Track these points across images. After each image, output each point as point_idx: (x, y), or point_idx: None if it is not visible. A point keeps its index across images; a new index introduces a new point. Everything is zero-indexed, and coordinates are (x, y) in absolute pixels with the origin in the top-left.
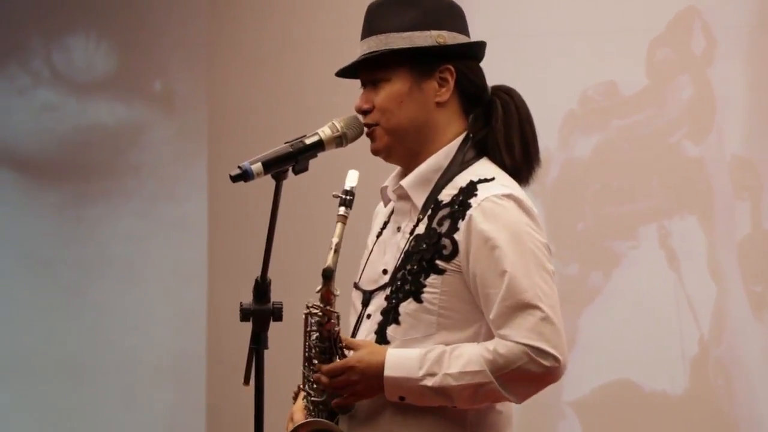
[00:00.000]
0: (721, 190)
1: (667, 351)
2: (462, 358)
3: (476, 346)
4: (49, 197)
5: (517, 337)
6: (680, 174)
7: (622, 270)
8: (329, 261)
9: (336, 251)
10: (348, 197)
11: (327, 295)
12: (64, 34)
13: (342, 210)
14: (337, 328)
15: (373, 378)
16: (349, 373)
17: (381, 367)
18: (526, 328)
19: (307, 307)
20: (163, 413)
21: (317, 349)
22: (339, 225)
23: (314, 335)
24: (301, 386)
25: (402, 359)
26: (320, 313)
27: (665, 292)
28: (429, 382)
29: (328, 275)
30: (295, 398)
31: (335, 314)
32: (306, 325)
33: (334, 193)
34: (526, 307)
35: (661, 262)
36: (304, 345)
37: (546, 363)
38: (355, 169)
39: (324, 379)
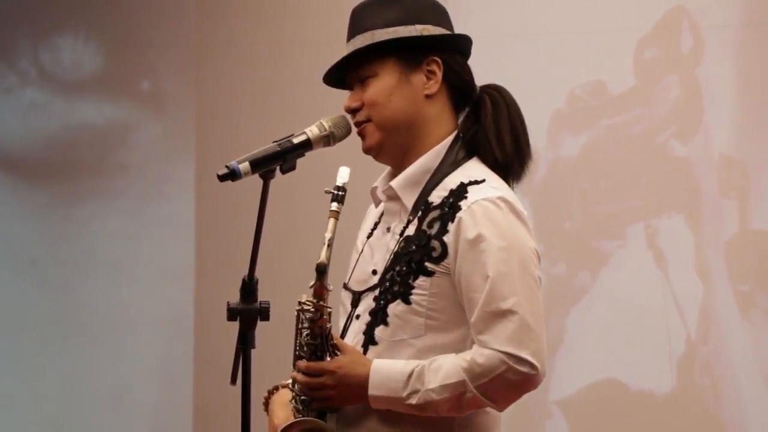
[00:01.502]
0: (709, 189)
1: (654, 350)
2: (441, 371)
3: (454, 357)
4: (37, 196)
5: (495, 344)
6: (668, 173)
7: (610, 269)
8: (322, 256)
9: (329, 246)
10: (340, 193)
11: (320, 290)
12: (52, 33)
13: (334, 206)
14: (328, 325)
15: (350, 388)
16: (327, 377)
17: (362, 381)
18: (504, 335)
19: (300, 303)
20: (150, 412)
21: (308, 347)
22: (331, 220)
23: (305, 332)
24: (290, 385)
25: (386, 378)
26: (313, 309)
27: (652, 291)
28: (413, 400)
29: (321, 270)
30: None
31: (328, 310)
32: (298, 322)
33: (326, 189)
34: (506, 313)
35: (648, 262)
36: (295, 342)
37: (523, 370)
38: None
39: (300, 376)
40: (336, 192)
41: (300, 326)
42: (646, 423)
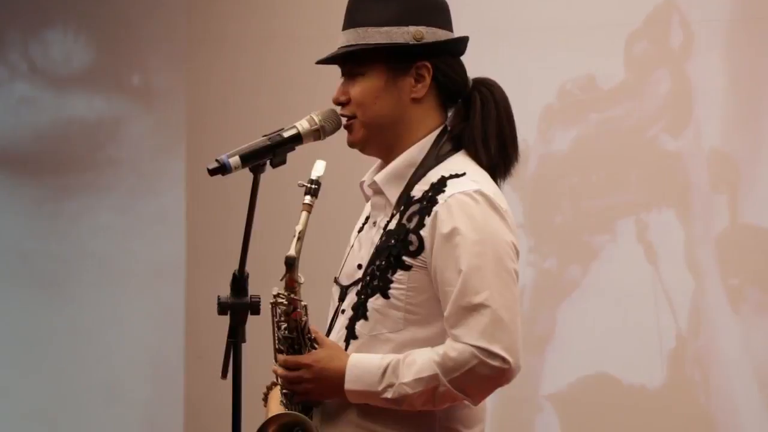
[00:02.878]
0: (699, 183)
1: (645, 344)
2: (414, 366)
3: (428, 351)
4: (27, 191)
5: (467, 338)
6: (658, 168)
7: (600, 264)
8: (292, 249)
9: (300, 239)
10: (313, 186)
11: (290, 283)
12: (42, 27)
13: (307, 199)
14: (304, 318)
15: (326, 382)
16: (304, 371)
17: (338, 375)
18: (476, 329)
19: (273, 297)
20: (141, 407)
21: (286, 340)
22: (304, 213)
23: (282, 326)
24: (275, 379)
25: (362, 373)
26: (285, 302)
27: (643, 285)
28: (389, 394)
29: (290, 263)
30: (266, 396)
31: (301, 303)
32: (273, 316)
33: (299, 182)
34: (479, 307)
35: (638, 256)
36: (273, 337)
37: (495, 364)
38: (322, 160)
39: (280, 370)
40: (309, 185)
41: (276, 320)
42: (637, 417)
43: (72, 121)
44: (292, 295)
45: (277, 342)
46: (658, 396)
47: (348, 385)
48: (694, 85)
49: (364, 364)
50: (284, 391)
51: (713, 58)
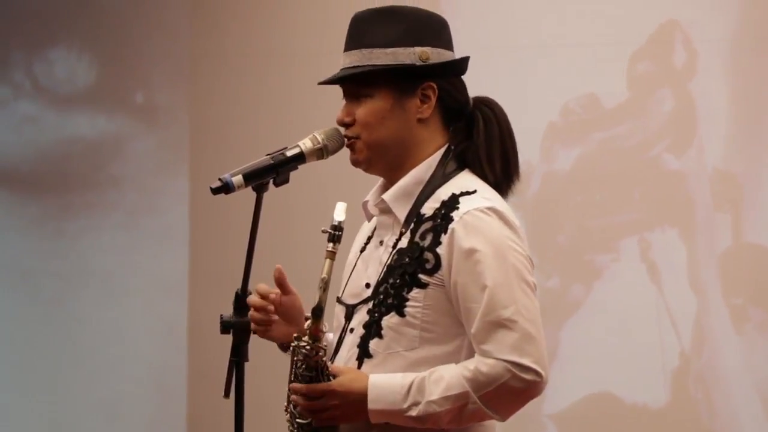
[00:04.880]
0: (702, 203)
1: (648, 363)
2: (442, 382)
3: (455, 367)
4: (30, 209)
5: (498, 353)
6: (661, 187)
7: (603, 283)
8: (318, 299)
9: (325, 290)
10: (337, 233)
11: (316, 332)
12: (46, 46)
13: (330, 246)
14: (324, 359)
15: (352, 405)
16: (329, 397)
17: (361, 395)
18: (507, 344)
19: (295, 339)
20: (144, 425)
21: (303, 377)
22: (327, 261)
23: (301, 364)
24: (285, 407)
25: (384, 391)
26: (308, 347)
27: (646, 304)
28: (414, 412)
29: (318, 315)
30: None
31: (323, 350)
32: (293, 355)
33: (322, 228)
34: (507, 322)
35: (642, 275)
36: (291, 371)
37: (528, 378)
38: (342, 201)
39: (301, 400)
40: (333, 232)
41: (295, 359)
42: None
43: (75, 140)
44: (317, 344)
45: (293, 378)
46: (662, 415)
47: (371, 404)
48: (697, 104)
49: (386, 384)
50: (299, 420)
51: (716, 77)
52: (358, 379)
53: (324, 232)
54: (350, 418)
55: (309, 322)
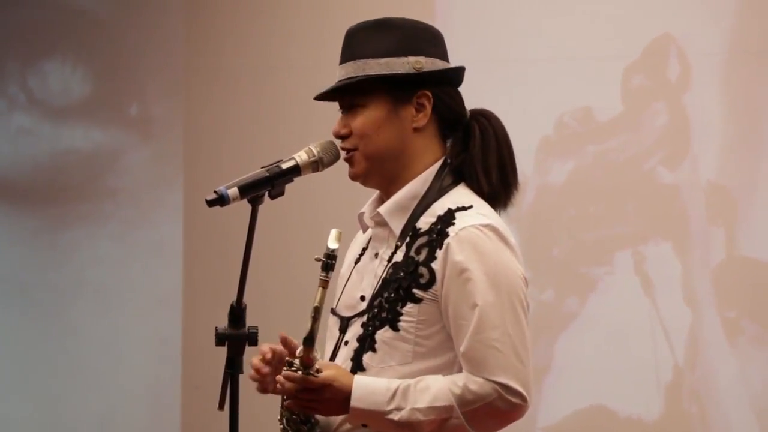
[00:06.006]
0: (696, 216)
1: (642, 377)
2: (429, 392)
3: (443, 379)
4: (25, 221)
5: (486, 373)
6: (655, 200)
7: (598, 296)
8: (311, 328)
9: (317, 319)
10: (330, 261)
11: (307, 360)
12: (40, 58)
13: (323, 275)
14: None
15: (332, 396)
16: (322, 390)
17: (345, 391)
18: (495, 365)
19: (287, 365)
20: None
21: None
22: (320, 290)
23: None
24: (279, 420)
25: (369, 392)
26: (299, 373)
27: (640, 318)
28: (395, 416)
29: (309, 344)
30: None
31: (316, 374)
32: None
33: (316, 256)
34: (497, 343)
35: (636, 288)
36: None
37: (514, 400)
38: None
39: (288, 384)
40: (326, 260)
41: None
42: None
43: (70, 152)
44: (308, 371)
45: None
46: (655, 428)
47: (354, 402)
48: (691, 117)
49: (371, 384)
50: (285, 412)
51: (710, 91)
52: (346, 374)
53: (318, 260)
54: (328, 410)
55: (300, 350)
